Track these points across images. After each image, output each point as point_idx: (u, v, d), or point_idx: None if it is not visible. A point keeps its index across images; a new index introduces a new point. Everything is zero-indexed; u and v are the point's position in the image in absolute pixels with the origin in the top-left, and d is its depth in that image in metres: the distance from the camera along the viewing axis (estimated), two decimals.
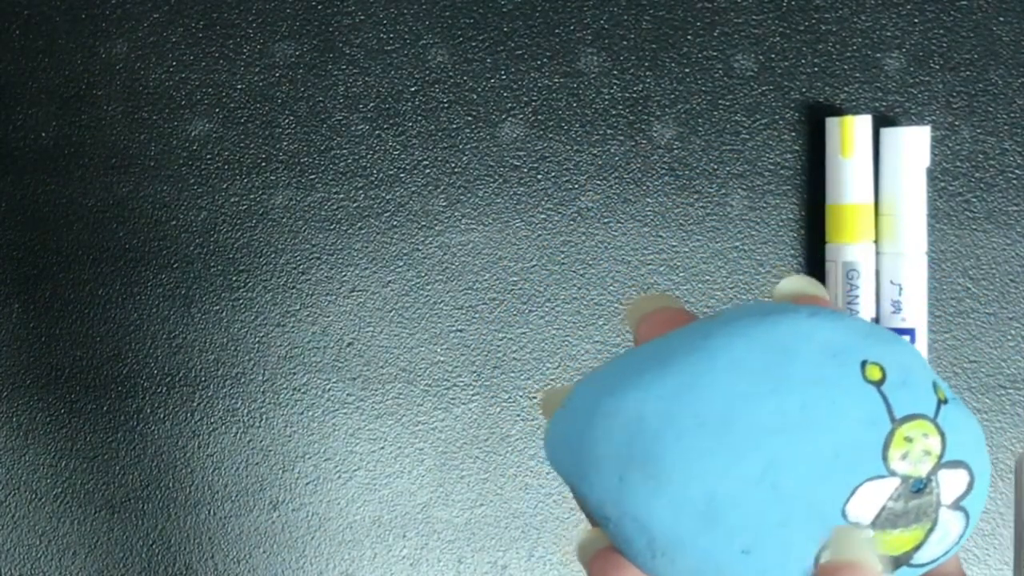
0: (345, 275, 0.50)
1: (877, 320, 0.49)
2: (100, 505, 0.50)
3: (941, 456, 0.28)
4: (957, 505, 0.28)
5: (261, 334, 0.50)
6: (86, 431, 0.50)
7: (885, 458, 0.27)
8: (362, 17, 0.50)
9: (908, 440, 0.27)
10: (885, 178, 0.49)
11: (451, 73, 0.50)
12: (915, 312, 0.49)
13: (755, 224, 0.51)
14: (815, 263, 0.51)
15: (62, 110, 0.50)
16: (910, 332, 0.49)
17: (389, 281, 0.50)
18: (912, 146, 0.49)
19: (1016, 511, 0.32)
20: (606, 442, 0.28)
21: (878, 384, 0.28)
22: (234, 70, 0.50)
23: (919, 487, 0.27)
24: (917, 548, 0.28)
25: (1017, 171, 0.51)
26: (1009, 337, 0.51)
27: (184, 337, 0.50)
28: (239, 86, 0.50)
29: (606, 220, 0.51)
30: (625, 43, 0.50)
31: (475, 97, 0.50)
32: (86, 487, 0.50)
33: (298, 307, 0.50)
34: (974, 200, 0.51)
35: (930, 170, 0.50)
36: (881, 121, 0.50)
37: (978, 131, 0.51)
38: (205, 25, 0.50)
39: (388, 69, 0.50)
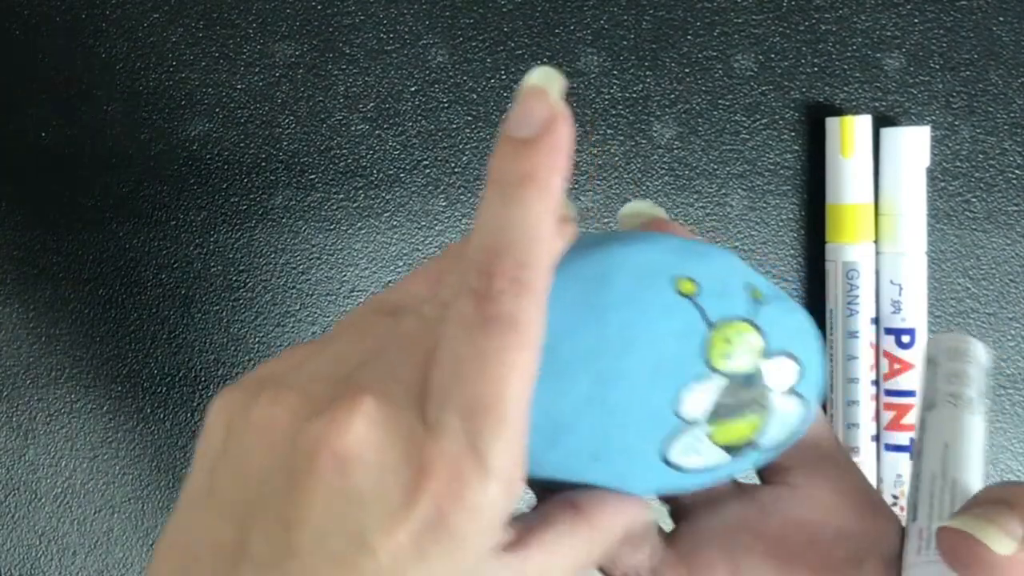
0: (345, 275, 0.50)
1: (877, 319, 0.49)
2: (100, 505, 0.50)
3: (763, 350, 0.30)
4: (791, 391, 0.31)
5: (261, 334, 0.50)
6: (86, 431, 0.50)
7: (708, 360, 0.30)
8: (362, 17, 0.50)
9: (727, 340, 0.30)
10: (885, 178, 0.49)
11: (451, 73, 0.50)
12: (915, 312, 0.49)
13: (755, 224, 0.51)
14: (815, 263, 0.51)
15: (62, 110, 0.50)
16: (910, 332, 0.49)
17: (389, 281, 0.50)
18: (912, 146, 0.49)
19: (923, 393, 0.34)
20: None
21: (691, 296, 0.30)
22: (234, 70, 0.50)
23: (746, 380, 0.30)
24: (759, 434, 0.31)
25: (1017, 171, 0.51)
26: (1009, 337, 0.51)
27: (184, 337, 0.50)
28: (239, 86, 0.50)
29: (606, 220, 0.51)
30: (625, 43, 0.50)
31: (475, 97, 0.50)
32: (86, 487, 0.50)
33: (298, 307, 0.50)
34: (974, 200, 0.51)
35: (930, 170, 0.50)
36: (881, 121, 0.50)
37: (978, 131, 0.51)
38: (205, 25, 0.50)
39: (388, 69, 0.50)
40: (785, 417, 0.31)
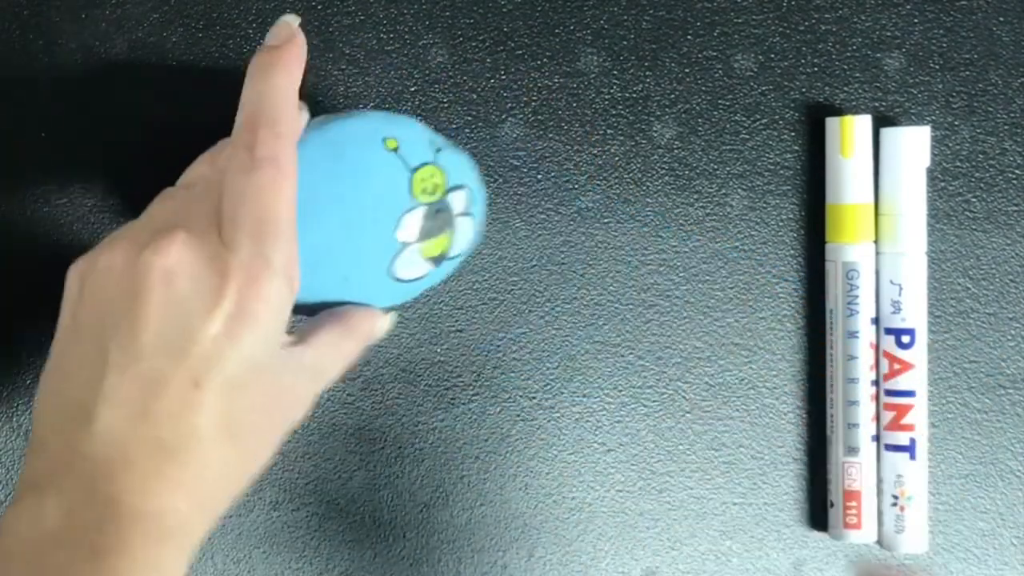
0: None
1: (877, 319, 0.49)
2: None
3: (446, 184, 0.43)
4: (465, 212, 0.44)
5: None
6: None
7: (412, 195, 0.42)
8: (362, 17, 0.50)
9: (423, 179, 0.43)
10: (885, 178, 0.49)
11: (451, 73, 0.50)
12: (915, 312, 0.49)
13: (755, 224, 0.51)
14: (815, 263, 0.51)
15: (62, 110, 0.50)
16: (910, 332, 0.49)
17: None
18: (912, 146, 0.49)
19: None
20: None
21: (395, 150, 0.43)
22: (235, 70, 0.50)
23: (439, 208, 0.43)
24: (450, 247, 0.44)
25: (1017, 171, 0.51)
26: (1009, 337, 0.51)
27: None
28: (239, 86, 0.50)
29: (606, 220, 0.51)
30: (625, 43, 0.50)
31: (475, 97, 0.50)
32: None
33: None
34: (974, 200, 0.51)
35: (930, 170, 0.50)
36: (881, 121, 0.50)
37: (978, 131, 0.51)
38: (205, 25, 0.50)
39: (388, 69, 0.50)
40: (465, 232, 0.44)
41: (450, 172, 0.44)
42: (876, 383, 0.49)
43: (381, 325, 0.44)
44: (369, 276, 0.43)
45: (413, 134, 0.44)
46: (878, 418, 0.49)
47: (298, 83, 0.40)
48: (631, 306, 0.51)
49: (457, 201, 0.44)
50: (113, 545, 0.36)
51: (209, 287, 0.37)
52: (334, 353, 0.42)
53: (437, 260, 0.44)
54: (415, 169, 0.43)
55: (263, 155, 0.39)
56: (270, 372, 0.39)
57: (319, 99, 0.50)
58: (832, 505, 0.50)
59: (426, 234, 0.43)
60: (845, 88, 0.51)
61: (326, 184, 0.42)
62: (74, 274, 0.39)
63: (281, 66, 0.40)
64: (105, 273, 0.38)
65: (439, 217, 0.43)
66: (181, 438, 0.37)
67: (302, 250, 0.39)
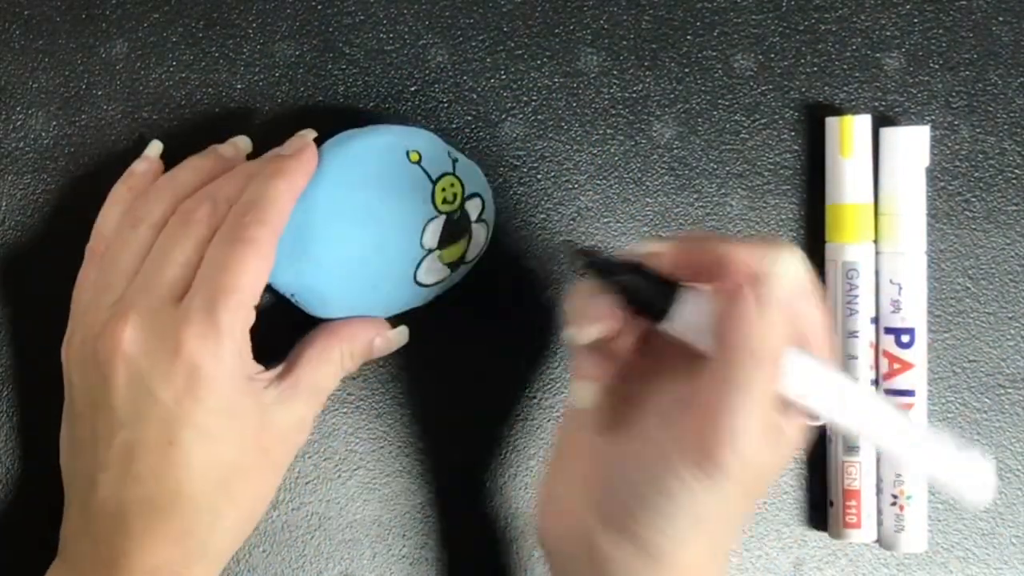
0: None
1: (877, 319, 0.49)
2: None
3: (463, 193, 0.46)
4: (479, 220, 0.47)
5: (261, 333, 0.50)
6: None
7: (434, 204, 0.46)
8: (362, 17, 0.50)
9: (443, 190, 0.46)
10: (885, 178, 0.49)
11: (451, 73, 0.50)
12: (915, 312, 0.49)
13: (755, 224, 0.51)
14: (815, 263, 0.51)
15: (62, 110, 0.50)
16: (910, 331, 0.49)
17: None
18: (911, 146, 0.49)
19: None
20: (280, 245, 0.44)
21: (418, 162, 0.45)
22: (234, 70, 0.50)
23: (458, 216, 0.46)
24: (466, 252, 0.47)
25: (1017, 171, 0.51)
26: (1009, 337, 0.51)
27: None
28: (239, 86, 0.50)
29: (606, 220, 0.51)
30: (625, 43, 0.50)
31: (475, 97, 0.50)
32: None
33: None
34: (974, 200, 0.51)
35: (929, 170, 0.50)
36: (881, 121, 0.50)
37: (977, 131, 0.51)
38: (205, 25, 0.50)
39: (388, 69, 0.50)
40: (479, 239, 0.47)
41: (466, 181, 0.46)
42: (876, 382, 0.49)
43: (386, 341, 0.48)
44: (395, 283, 0.46)
45: (432, 146, 0.46)
46: None
47: (300, 190, 0.44)
48: None
49: (473, 209, 0.47)
50: None
51: (164, 356, 0.42)
52: (329, 369, 0.46)
53: (454, 265, 0.47)
54: (436, 180, 0.45)
55: (247, 236, 0.42)
56: (249, 415, 0.43)
57: (319, 99, 0.50)
58: (832, 504, 0.50)
59: (446, 241, 0.46)
60: (845, 88, 0.51)
61: (355, 198, 0.45)
62: (64, 358, 0.46)
63: (287, 174, 0.44)
64: (80, 363, 0.44)
65: (458, 225, 0.46)
66: (167, 494, 0.42)
67: (336, 263, 0.45)
